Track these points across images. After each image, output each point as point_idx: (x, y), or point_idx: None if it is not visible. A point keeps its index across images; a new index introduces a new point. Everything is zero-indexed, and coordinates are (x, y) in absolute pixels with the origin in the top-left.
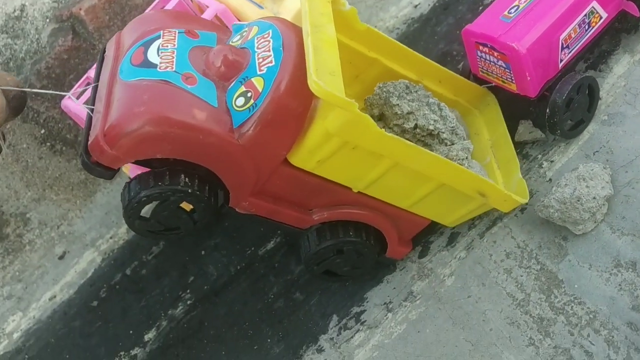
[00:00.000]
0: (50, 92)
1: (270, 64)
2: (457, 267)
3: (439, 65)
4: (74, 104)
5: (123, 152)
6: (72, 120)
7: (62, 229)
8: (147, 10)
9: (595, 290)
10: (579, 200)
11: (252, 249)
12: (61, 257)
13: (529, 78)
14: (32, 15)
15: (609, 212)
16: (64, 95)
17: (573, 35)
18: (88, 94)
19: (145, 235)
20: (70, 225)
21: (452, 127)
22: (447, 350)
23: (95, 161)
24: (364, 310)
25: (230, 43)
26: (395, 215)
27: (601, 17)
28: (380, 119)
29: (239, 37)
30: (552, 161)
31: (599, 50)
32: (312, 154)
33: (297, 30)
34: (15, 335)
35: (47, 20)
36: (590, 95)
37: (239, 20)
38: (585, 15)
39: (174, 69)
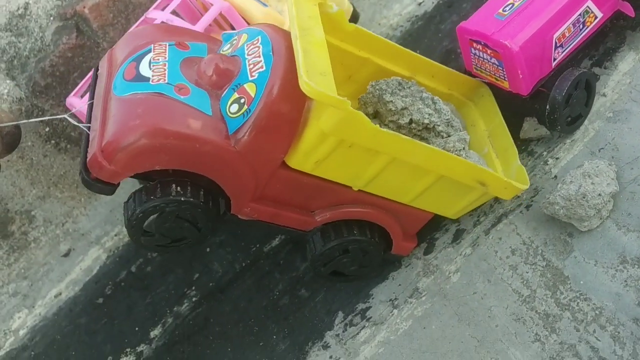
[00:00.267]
0: (46, 118)
1: (261, 69)
2: (463, 264)
3: (430, 60)
4: (79, 101)
5: (121, 166)
6: (77, 117)
7: (67, 226)
8: (150, 9)
9: (600, 287)
10: (584, 197)
11: (257, 246)
12: (66, 255)
13: (521, 76)
14: (36, 14)
15: (615, 209)
16: (67, 107)
17: (567, 35)
18: None
19: (155, 250)
20: (75, 222)
21: (447, 119)
22: (453, 347)
23: (94, 177)
24: (370, 307)
25: (221, 52)
26: (398, 211)
27: (596, 17)
28: (375, 116)
29: (229, 45)
30: (557, 158)
31: (604, 47)
32: (309, 155)
33: (286, 35)
34: (21, 333)
35: (51, 18)
36: (587, 90)
37: (244, 18)
38: (580, 14)
39: (166, 81)
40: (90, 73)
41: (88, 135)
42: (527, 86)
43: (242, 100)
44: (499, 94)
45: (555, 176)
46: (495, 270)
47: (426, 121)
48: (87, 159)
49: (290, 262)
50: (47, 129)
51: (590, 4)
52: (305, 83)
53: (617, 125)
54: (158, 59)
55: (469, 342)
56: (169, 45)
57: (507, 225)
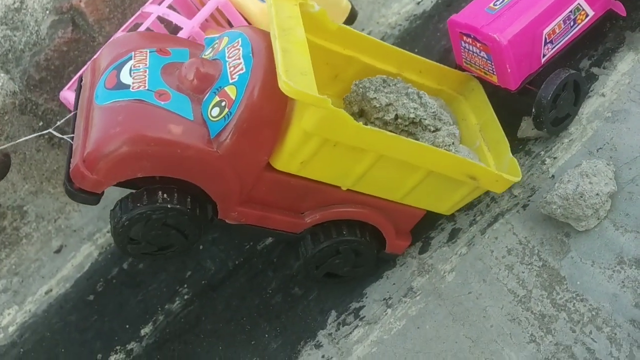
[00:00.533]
0: (31, 136)
1: (241, 72)
2: (458, 263)
3: (417, 56)
4: (73, 95)
5: (103, 175)
6: (71, 112)
7: (59, 222)
8: (147, 4)
9: (597, 287)
10: (581, 197)
11: (251, 243)
12: (58, 251)
13: (509, 70)
14: (31, 7)
15: (612, 209)
16: (45, 131)
17: (557, 31)
18: None
19: (142, 258)
20: (67, 218)
21: (433, 112)
22: (447, 347)
23: (78, 188)
24: (363, 306)
25: (203, 56)
26: (389, 209)
27: (587, 15)
28: (362, 115)
29: (210, 49)
30: (555, 158)
31: (603, 47)
32: (293, 156)
33: (266, 36)
34: (11, 329)
35: (47, 12)
36: (576, 90)
37: (240, 14)
38: (571, 11)
39: (146, 88)
40: (85, 66)
41: (71, 145)
42: (516, 81)
43: (223, 104)
44: (496, 93)
45: (553, 175)
46: (490, 270)
47: (412, 115)
48: (70, 169)
49: (283, 260)
50: (41, 124)
51: (581, 1)
52: (285, 83)
53: (615, 125)
54: (139, 66)
55: (463, 343)
56: (149, 52)
57: (503, 225)
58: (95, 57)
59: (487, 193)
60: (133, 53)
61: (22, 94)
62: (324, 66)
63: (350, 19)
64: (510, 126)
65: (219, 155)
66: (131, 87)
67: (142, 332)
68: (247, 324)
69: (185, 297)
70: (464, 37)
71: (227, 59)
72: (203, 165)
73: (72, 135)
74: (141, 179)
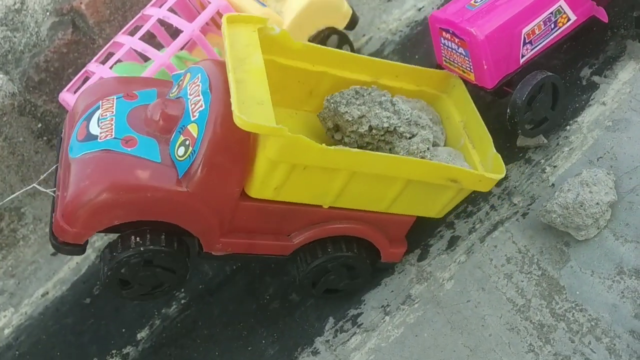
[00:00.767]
0: (16, 193)
1: (201, 108)
2: (457, 271)
3: (391, 62)
4: (73, 97)
5: (81, 227)
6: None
7: None
8: (147, 6)
9: (597, 297)
10: (582, 206)
11: None
12: (55, 253)
13: (485, 67)
14: (32, 8)
15: (612, 219)
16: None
17: (537, 32)
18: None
19: (140, 299)
20: None
21: (407, 118)
22: (445, 355)
23: (62, 242)
24: (361, 313)
25: (170, 95)
26: (377, 220)
27: (569, 19)
28: (338, 130)
29: (176, 87)
30: (555, 166)
31: (605, 56)
32: (265, 183)
33: (224, 69)
34: (6, 331)
35: (47, 13)
36: (554, 94)
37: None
38: (552, 13)
39: (113, 136)
40: (85, 68)
41: (54, 199)
42: (492, 79)
43: (187, 142)
44: (500, 98)
45: (553, 184)
46: (489, 279)
47: (386, 125)
48: (52, 225)
49: (281, 265)
50: (40, 125)
51: (563, 4)
52: (238, 117)
53: (616, 135)
54: (106, 115)
55: (461, 351)
56: (117, 98)
57: (502, 233)
58: (70, 109)
59: (486, 201)
60: (101, 102)
61: (21, 95)
62: (297, 84)
63: (351, 25)
64: (510, 135)
65: (189, 194)
66: (99, 138)
67: (139, 336)
68: (244, 329)
69: (182, 301)
70: (444, 33)
71: (188, 97)
72: (175, 205)
73: (54, 189)
74: (126, 222)
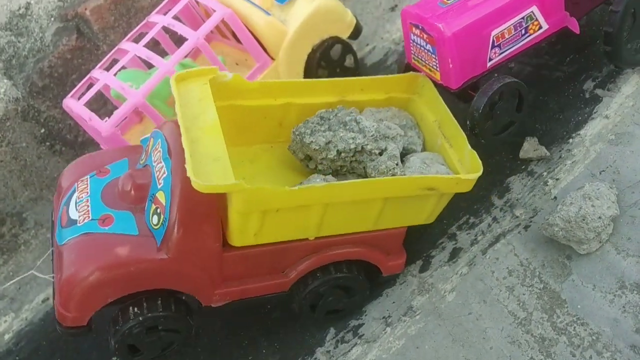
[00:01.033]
0: (13, 281)
1: (164, 175)
2: (459, 283)
3: (353, 78)
4: (76, 103)
5: (78, 311)
6: (73, 120)
7: None
8: (152, 14)
9: (598, 312)
10: (584, 220)
11: None
12: None
13: (451, 65)
14: (36, 14)
15: (615, 233)
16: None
17: (507, 36)
18: (90, 94)
19: None
20: None
21: (372, 135)
22: None
23: (67, 327)
24: (362, 324)
25: (140, 162)
26: (369, 239)
27: (541, 27)
28: (310, 158)
29: (144, 154)
30: (557, 179)
31: (608, 69)
32: (244, 232)
33: (179, 132)
34: (7, 337)
35: (52, 19)
36: (519, 97)
37: (246, 26)
38: (523, 18)
39: (90, 218)
40: (89, 75)
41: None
42: (457, 79)
43: (159, 210)
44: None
45: (555, 197)
46: (491, 291)
47: (352, 146)
48: (56, 313)
49: None
50: (43, 130)
51: (535, 10)
52: (194, 182)
53: (618, 148)
54: (82, 197)
55: None
56: (90, 177)
57: (504, 246)
58: (56, 194)
59: (488, 213)
60: (76, 184)
61: (24, 101)
62: (264, 120)
63: (355, 34)
64: (513, 147)
65: (171, 259)
66: (78, 222)
67: None
68: (245, 339)
69: None
70: (413, 29)
71: (153, 164)
72: (160, 272)
73: (53, 274)
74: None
